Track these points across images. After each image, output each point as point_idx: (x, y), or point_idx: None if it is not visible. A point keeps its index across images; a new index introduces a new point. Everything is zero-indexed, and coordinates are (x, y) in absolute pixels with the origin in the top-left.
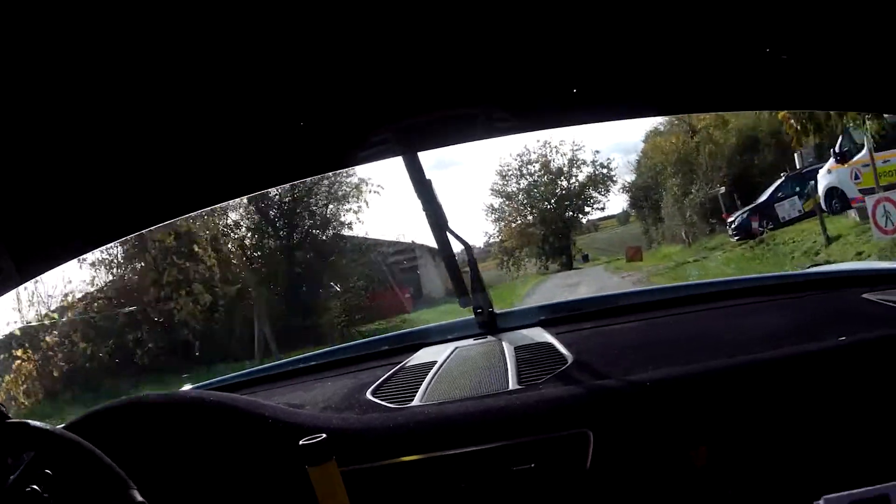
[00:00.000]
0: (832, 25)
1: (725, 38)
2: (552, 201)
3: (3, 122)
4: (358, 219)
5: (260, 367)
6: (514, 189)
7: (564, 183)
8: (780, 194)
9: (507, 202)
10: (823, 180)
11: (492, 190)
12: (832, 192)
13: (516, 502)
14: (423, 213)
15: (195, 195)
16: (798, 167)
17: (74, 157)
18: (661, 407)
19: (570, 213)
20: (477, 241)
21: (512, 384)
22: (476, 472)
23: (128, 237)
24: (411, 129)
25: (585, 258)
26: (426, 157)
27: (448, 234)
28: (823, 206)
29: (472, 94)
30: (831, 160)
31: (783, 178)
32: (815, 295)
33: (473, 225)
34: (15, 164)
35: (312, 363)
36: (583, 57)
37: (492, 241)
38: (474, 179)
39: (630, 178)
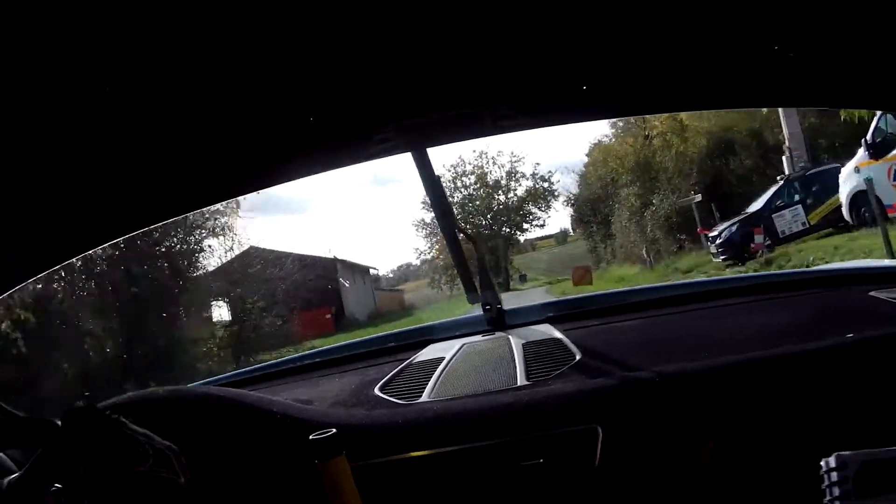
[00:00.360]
0: (840, 21)
1: (733, 34)
2: (488, 216)
3: (11, 123)
4: (227, 224)
5: (267, 363)
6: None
7: (502, 197)
8: (779, 202)
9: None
10: (849, 182)
11: (423, 203)
12: (859, 197)
13: (525, 497)
14: (432, 208)
15: (201, 193)
16: (787, 173)
17: (79, 155)
18: (668, 403)
19: (507, 229)
20: (407, 259)
21: (520, 380)
22: (484, 468)
23: (131, 234)
24: (420, 125)
25: (523, 278)
26: (365, 173)
27: (457, 230)
28: (847, 217)
29: (480, 91)
30: (860, 154)
31: (781, 181)
32: (822, 292)
33: (406, 242)
34: (21, 164)
35: (319, 359)
36: (591, 53)
37: (423, 258)
38: (413, 195)
39: (574, 191)
